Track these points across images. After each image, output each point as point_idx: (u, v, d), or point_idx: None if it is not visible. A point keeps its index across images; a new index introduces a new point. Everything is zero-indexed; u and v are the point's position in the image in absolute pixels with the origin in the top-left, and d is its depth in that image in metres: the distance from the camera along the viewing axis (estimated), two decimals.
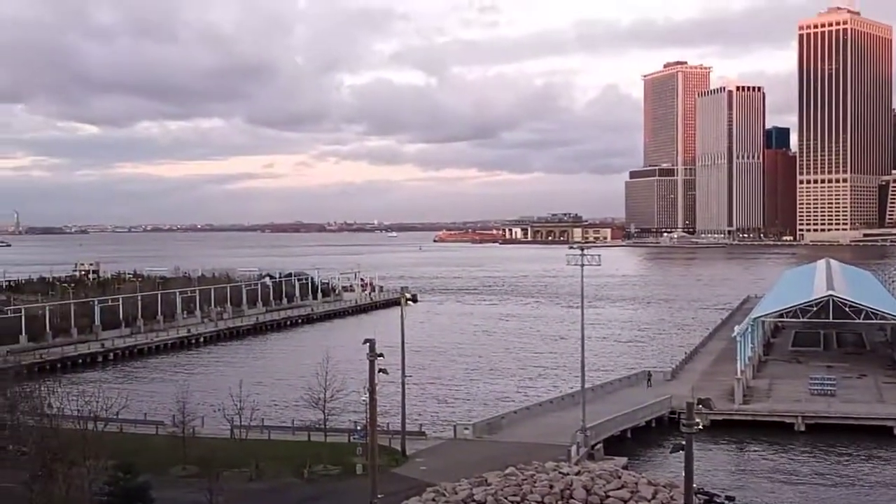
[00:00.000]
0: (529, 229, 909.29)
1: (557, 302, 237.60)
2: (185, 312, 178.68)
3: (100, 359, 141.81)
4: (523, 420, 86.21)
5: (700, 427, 44.24)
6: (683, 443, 41.80)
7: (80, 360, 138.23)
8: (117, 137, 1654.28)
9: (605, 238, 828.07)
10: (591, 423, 76.85)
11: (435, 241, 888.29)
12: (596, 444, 74.90)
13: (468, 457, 72.39)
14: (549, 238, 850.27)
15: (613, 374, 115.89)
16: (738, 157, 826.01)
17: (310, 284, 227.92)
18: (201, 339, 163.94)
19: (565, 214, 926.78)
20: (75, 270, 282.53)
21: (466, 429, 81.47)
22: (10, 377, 77.83)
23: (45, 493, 50.29)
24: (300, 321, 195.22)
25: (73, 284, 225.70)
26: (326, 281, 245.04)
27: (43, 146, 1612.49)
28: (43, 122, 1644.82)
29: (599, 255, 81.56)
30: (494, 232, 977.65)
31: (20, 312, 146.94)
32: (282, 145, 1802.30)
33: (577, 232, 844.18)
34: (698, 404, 79.77)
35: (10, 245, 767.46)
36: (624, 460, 72.51)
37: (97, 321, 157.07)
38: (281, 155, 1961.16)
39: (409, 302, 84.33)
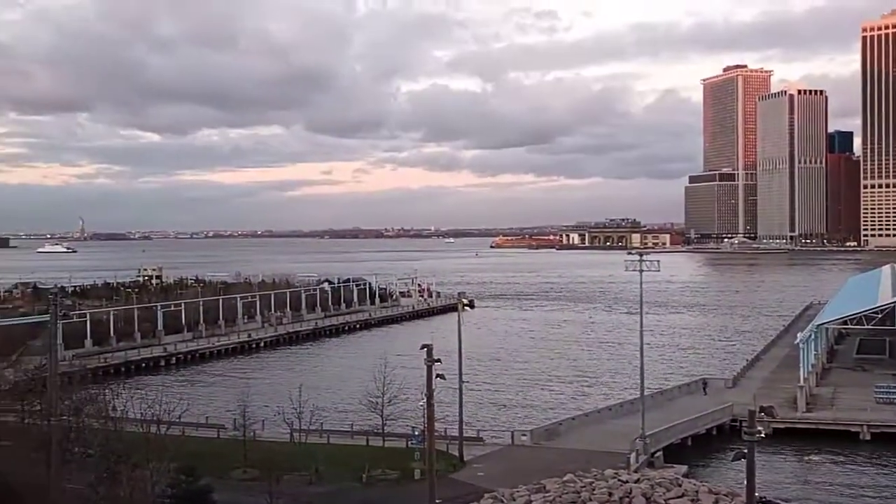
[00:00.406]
0: (587, 235, 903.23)
1: (615, 308, 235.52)
2: (245, 317, 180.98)
3: (162, 363, 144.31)
4: (581, 427, 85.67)
5: (762, 435, 43.60)
6: (745, 451, 41.19)
7: (144, 364, 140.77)
8: (179, 145, 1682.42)
9: (664, 244, 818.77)
10: (651, 430, 76.03)
11: (492, 246, 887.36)
12: (655, 452, 74.07)
13: (526, 463, 72.12)
14: (607, 244, 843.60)
15: (673, 382, 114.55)
16: (800, 162, 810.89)
17: (367, 290, 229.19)
18: (261, 344, 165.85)
19: (623, 220, 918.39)
20: (139, 276, 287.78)
21: (524, 435, 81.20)
22: (75, 380, 79.59)
23: (110, 495, 51.17)
24: (358, 326, 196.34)
25: (136, 290, 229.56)
26: (384, 286, 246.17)
27: (107, 154, 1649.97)
28: (107, 130, 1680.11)
29: (658, 261, 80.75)
30: (551, 237, 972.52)
31: (86, 317, 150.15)
32: (340, 152, 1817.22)
33: (636, 237, 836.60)
34: (760, 412, 78.54)
35: (76, 251, 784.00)
36: (684, 468, 71.69)
37: (160, 326, 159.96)
38: (339, 162, 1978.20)
39: (467, 308, 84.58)
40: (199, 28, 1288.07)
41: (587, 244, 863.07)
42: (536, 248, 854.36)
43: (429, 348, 58.47)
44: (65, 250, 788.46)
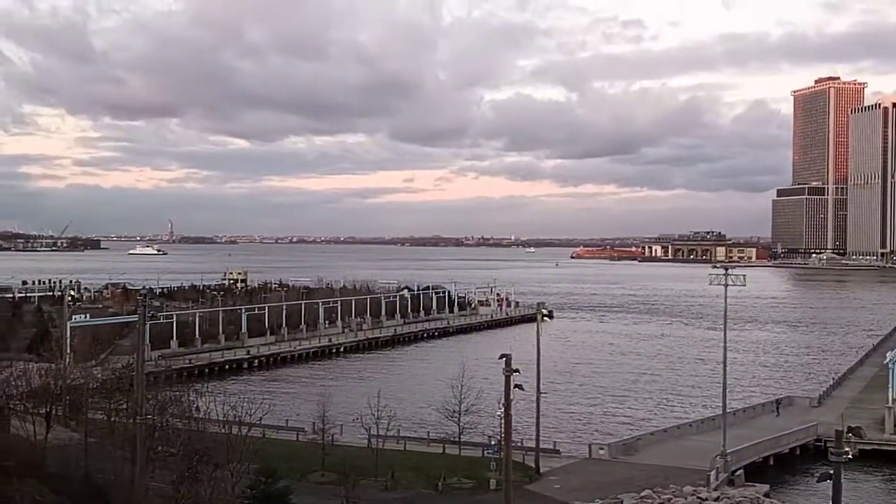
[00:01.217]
0: (670, 247, 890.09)
1: (698, 323, 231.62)
2: (326, 322, 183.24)
3: (245, 365, 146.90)
4: (660, 442, 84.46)
5: (849, 457, 42.36)
6: (831, 472, 40.05)
7: (227, 366, 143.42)
8: (266, 151, 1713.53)
9: (750, 258, 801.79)
10: (732, 447, 74.57)
11: (572, 257, 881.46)
12: (736, 470, 72.57)
13: (603, 477, 71.44)
14: (691, 257, 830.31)
15: (756, 399, 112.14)
16: (893, 177, 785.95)
17: (447, 298, 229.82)
18: (341, 349, 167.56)
19: (708, 233, 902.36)
20: (224, 279, 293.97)
21: (602, 448, 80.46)
22: (161, 380, 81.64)
23: (192, 494, 52.20)
24: (436, 334, 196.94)
25: (222, 293, 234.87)
26: (463, 295, 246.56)
27: (196, 159, 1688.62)
28: (196, 136, 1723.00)
29: (744, 276, 79.30)
30: (634, 249, 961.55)
31: (172, 318, 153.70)
32: (422, 160, 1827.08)
33: (721, 251, 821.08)
34: (848, 432, 76.47)
35: (166, 253, 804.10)
36: (766, 488, 70.11)
37: (244, 329, 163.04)
38: (421, 170, 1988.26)
39: (546, 318, 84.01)
40: (289, 36, 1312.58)
41: (670, 257, 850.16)
42: (618, 260, 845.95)
43: (507, 358, 58.29)
44: (155, 252, 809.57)
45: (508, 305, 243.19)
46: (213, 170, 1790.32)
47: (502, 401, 58.90)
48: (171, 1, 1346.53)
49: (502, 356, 58.74)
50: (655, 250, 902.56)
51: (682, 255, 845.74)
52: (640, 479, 68.37)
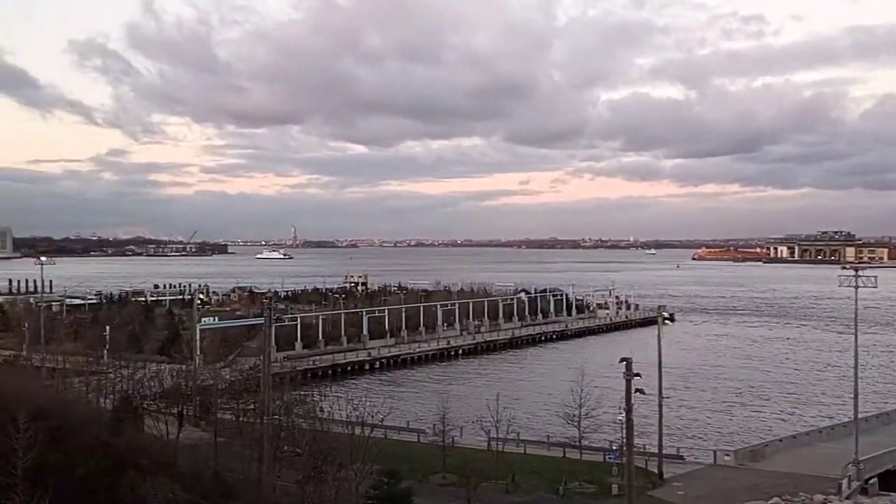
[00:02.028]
0: (796, 248, 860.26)
1: (827, 326, 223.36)
2: (445, 325, 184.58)
3: (367, 367, 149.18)
4: (789, 449, 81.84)
5: None
6: None
7: (349, 368, 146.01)
8: (384, 156, 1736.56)
9: (882, 258, 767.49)
10: (866, 455, 71.67)
11: (694, 258, 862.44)
12: (870, 479, 69.73)
13: (728, 484, 69.73)
14: (819, 257, 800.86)
15: (891, 405, 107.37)
16: None
17: (564, 300, 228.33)
18: (460, 351, 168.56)
19: (836, 232, 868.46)
20: (346, 282, 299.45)
21: (727, 455, 78.58)
22: (286, 381, 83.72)
23: (317, 493, 53.36)
24: (554, 337, 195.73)
25: (343, 296, 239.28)
26: (581, 297, 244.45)
27: (317, 165, 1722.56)
28: (317, 142, 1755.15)
29: (875, 277, 76.12)
30: (758, 250, 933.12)
31: (297, 321, 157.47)
32: (538, 162, 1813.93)
33: (850, 251, 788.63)
34: None
35: (292, 258, 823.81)
36: None
37: (365, 331, 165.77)
38: (537, 172, 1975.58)
39: (667, 321, 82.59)
40: (405, 42, 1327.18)
41: (796, 258, 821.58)
42: (741, 261, 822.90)
43: (628, 362, 57.58)
44: (281, 257, 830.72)
45: (628, 308, 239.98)
46: (334, 175, 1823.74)
47: (623, 405, 58.20)
48: (291, 11, 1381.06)
49: (623, 360, 58.04)
50: (781, 251, 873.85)
51: (810, 256, 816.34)
52: (767, 486, 66.47)
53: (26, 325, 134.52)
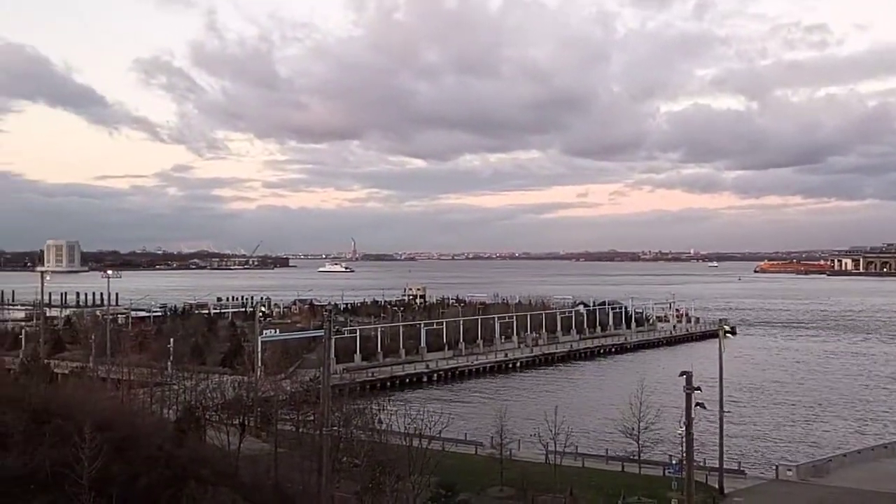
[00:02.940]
0: (862, 260, 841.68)
1: (893, 339, 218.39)
2: (503, 337, 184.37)
3: (424, 379, 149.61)
4: (854, 464, 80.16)
5: None
6: None
7: (407, 380, 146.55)
8: (441, 170, 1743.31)
9: None
10: None
11: (756, 271, 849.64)
12: None
13: (791, 499, 68.68)
14: (885, 270, 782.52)
15: None
16: None
17: (623, 313, 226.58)
18: (518, 364, 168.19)
19: None
20: (404, 295, 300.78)
21: (789, 470, 77.24)
22: (345, 393, 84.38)
23: None
24: (613, 350, 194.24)
25: (402, 308, 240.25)
26: (640, 310, 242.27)
27: (376, 179, 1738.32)
28: (376, 156, 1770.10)
29: None
30: (822, 263, 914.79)
31: (356, 333, 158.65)
32: (596, 175, 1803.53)
33: None
34: None
35: (353, 271, 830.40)
36: None
37: (423, 343, 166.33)
38: (595, 184, 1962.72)
39: (728, 334, 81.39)
40: (462, 56, 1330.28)
41: (862, 270, 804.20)
42: (805, 274, 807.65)
43: (688, 375, 57.17)
44: (343, 270, 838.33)
45: (688, 321, 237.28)
46: (393, 189, 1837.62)
47: (683, 419, 57.72)
48: (350, 27, 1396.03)
49: (683, 373, 57.66)
50: (846, 264, 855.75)
51: (875, 269, 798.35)
52: (830, 502, 65.35)
53: (93, 337, 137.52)
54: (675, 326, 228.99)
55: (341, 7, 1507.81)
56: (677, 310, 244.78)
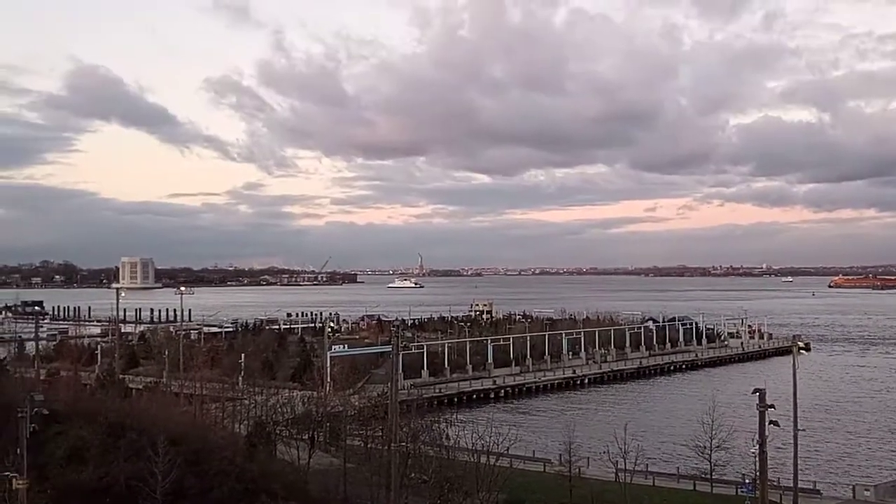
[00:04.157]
0: None
1: None
2: (570, 354, 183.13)
3: (492, 395, 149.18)
4: None
5: None
6: None
7: (474, 396, 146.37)
8: (507, 185, 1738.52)
9: None
10: None
11: (830, 286, 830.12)
12: None
13: None
14: None
15: None
16: None
17: (694, 329, 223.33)
18: (585, 381, 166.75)
19: None
20: (471, 311, 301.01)
21: (867, 490, 75.16)
22: (413, 409, 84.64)
23: None
24: (683, 367, 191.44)
25: (468, 324, 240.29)
26: (711, 326, 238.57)
27: (441, 195, 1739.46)
28: (441, 172, 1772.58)
29: None
30: None
31: (423, 349, 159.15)
32: (664, 189, 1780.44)
33: None
34: None
35: (423, 286, 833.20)
36: None
37: (490, 359, 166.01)
38: (664, 198, 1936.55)
39: (802, 351, 79.87)
40: (527, 71, 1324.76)
41: None
42: (881, 289, 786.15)
43: (761, 393, 56.16)
44: (413, 286, 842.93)
45: (761, 337, 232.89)
46: (458, 205, 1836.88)
47: (756, 437, 56.68)
48: (415, 44, 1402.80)
49: (756, 391, 56.68)
50: None
51: None
52: None
53: (166, 352, 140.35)
54: (746, 343, 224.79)
55: (406, 24, 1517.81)
56: (749, 325, 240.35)
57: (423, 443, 69.74)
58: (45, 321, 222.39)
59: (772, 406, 55.47)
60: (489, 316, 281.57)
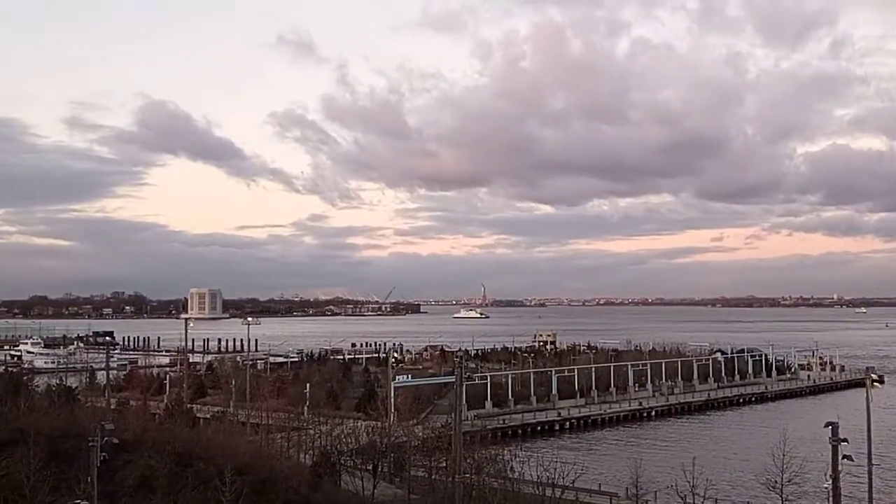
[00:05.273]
0: None
1: None
2: (636, 385, 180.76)
3: (556, 427, 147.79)
4: None
5: None
6: None
7: (539, 427, 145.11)
8: (570, 215, 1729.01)
9: None
10: None
11: None
12: None
13: None
14: None
15: None
16: None
17: (763, 361, 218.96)
18: (652, 413, 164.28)
19: None
20: (534, 341, 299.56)
21: None
22: (477, 440, 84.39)
23: None
24: (753, 399, 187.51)
25: (532, 354, 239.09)
26: (781, 358, 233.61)
27: (504, 225, 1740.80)
28: (503, 203, 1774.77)
29: None
30: None
31: (486, 380, 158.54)
32: (731, 218, 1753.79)
33: None
34: None
35: (488, 317, 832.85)
36: None
37: (554, 390, 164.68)
38: (730, 228, 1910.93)
39: (876, 383, 77.74)
40: (589, 101, 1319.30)
41: None
42: None
43: (834, 426, 54.81)
44: (478, 316, 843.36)
45: (833, 369, 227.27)
46: (521, 235, 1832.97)
47: (829, 472, 55.24)
48: (476, 76, 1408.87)
49: (828, 424, 55.35)
50: None
51: None
52: None
53: (233, 382, 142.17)
54: (817, 375, 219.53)
55: (467, 56, 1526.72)
56: (821, 357, 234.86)
57: (487, 475, 69.37)
58: (116, 351, 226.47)
59: (845, 440, 54.07)
60: (553, 346, 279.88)
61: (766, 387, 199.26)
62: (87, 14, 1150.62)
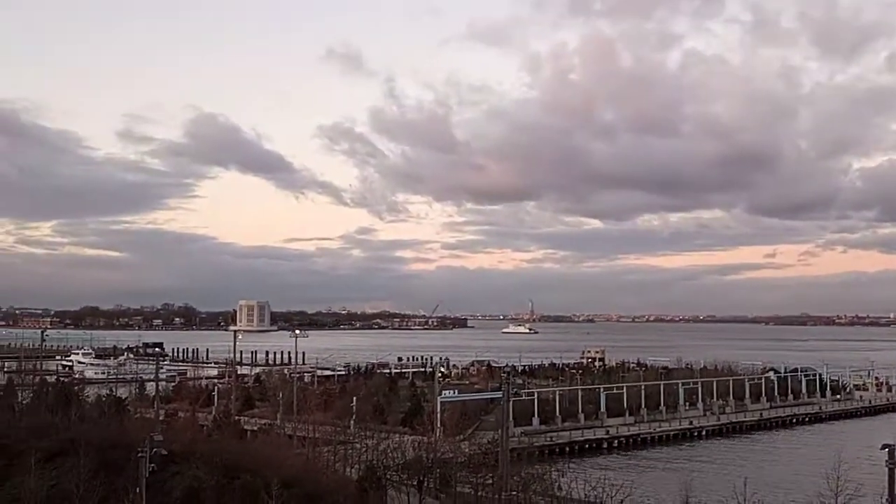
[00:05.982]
0: None
1: None
2: (686, 404, 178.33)
3: (604, 445, 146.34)
4: None
5: None
6: None
7: (586, 445, 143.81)
8: (619, 230, 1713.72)
9: None
10: None
11: None
12: None
13: None
14: None
15: None
16: None
17: (818, 381, 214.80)
18: (703, 433, 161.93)
19: None
20: (583, 357, 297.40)
21: None
22: (524, 457, 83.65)
23: None
24: (806, 419, 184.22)
25: (580, 371, 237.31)
26: (835, 377, 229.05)
27: (552, 240, 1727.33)
28: (551, 217, 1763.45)
29: None
30: None
31: (533, 396, 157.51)
32: (784, 234, 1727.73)
33: None
34: None
35: (537, 332, 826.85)
36: None
37: (602, 408, 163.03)
38: (784, 244, 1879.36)
39: None
40: (639, 115, 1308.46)
41: None
42: None
43: (891, 448, 53.40)
44: (527, 331, 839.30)
45: (889, 390, 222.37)
46: (569, 250, 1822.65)
47: (885, 496, 53.79)
48: (525, 89, 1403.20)
49: (885, 446, 53.97)
50: None
51: None
52: None
53: (281, 395, 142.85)
54: (873, 395, 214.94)
55: (516, 69, 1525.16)
56: (877, 377, 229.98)
57: (533, 493, 68.71)
58: (165, 362, 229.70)
59: None
60: (602, 363, 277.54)
61: (819, 407, 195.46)
62: (139, 27, 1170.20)
